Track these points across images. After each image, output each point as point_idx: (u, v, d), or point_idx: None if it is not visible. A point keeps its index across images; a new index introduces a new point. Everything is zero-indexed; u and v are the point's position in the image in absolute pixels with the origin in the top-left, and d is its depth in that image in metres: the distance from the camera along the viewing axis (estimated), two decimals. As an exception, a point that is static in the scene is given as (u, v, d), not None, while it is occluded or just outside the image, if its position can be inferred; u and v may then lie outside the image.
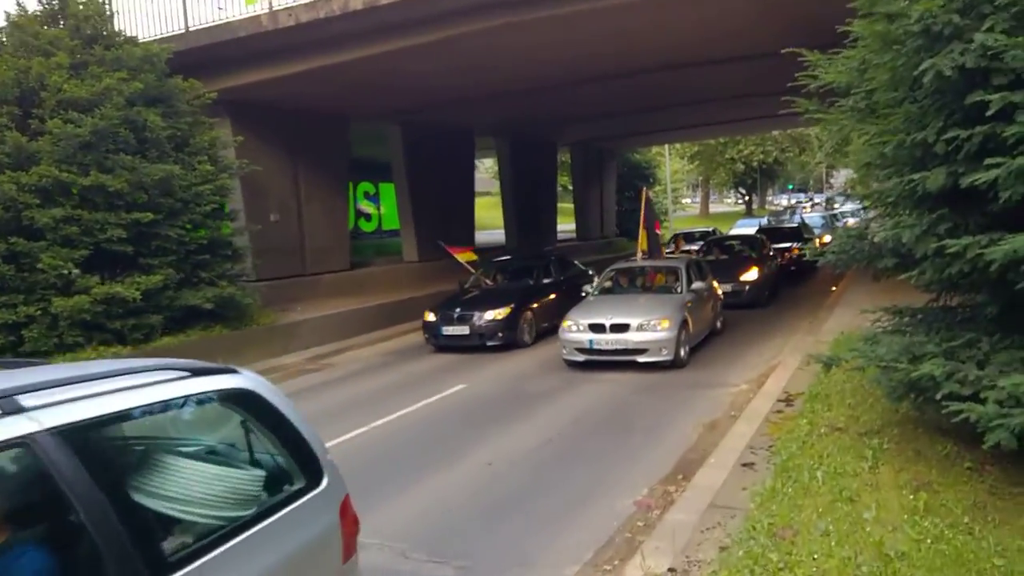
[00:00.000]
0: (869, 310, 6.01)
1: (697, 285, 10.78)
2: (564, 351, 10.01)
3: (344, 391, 10.10)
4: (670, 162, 39.67)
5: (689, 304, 10.28)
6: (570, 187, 34.24)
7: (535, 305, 12.58)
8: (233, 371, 2.65)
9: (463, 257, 15.45)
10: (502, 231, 25.63)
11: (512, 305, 12.01)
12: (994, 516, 3.86)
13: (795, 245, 19.78)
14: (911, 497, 4.13)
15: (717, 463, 5.71)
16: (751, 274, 14.75)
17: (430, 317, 12.37)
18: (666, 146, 38.30)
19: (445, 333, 12.00)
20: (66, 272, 9.39)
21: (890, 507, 4.06)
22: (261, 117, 14.72)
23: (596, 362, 9.80)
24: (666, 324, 9.45)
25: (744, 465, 5.09)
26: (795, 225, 23.06)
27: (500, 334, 11.69)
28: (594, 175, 30.05)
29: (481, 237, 31.16)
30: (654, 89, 17.09)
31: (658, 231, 14.00)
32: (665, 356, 9.43)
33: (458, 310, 12.14)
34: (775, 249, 19.62)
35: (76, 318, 9.31)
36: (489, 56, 12.79)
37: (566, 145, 28.75)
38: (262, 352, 11.98)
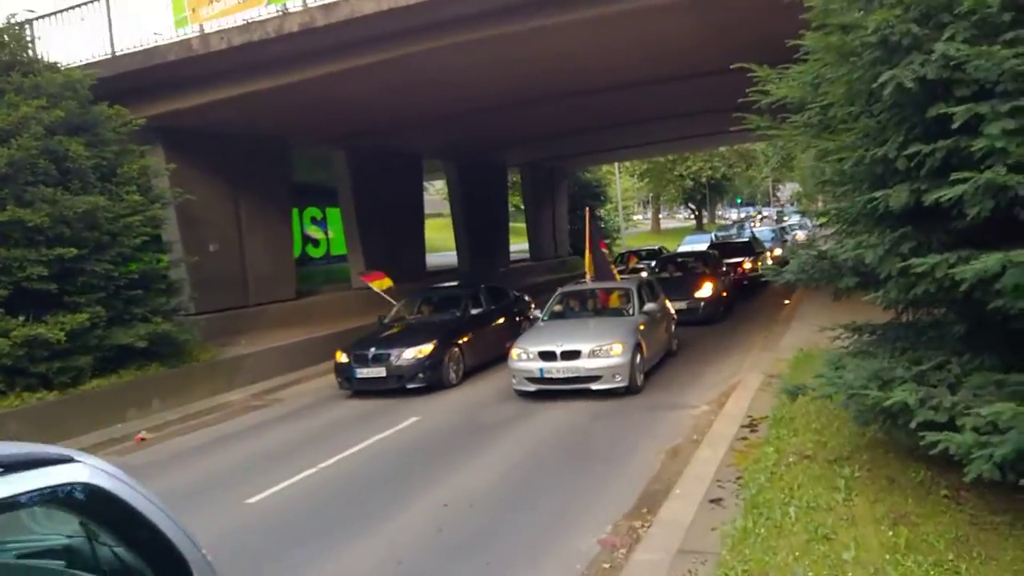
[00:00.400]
0: (828, 327, 5.84)
1: (649, 307, 10.39)
2: (514, 380, 9.53)
3: (292, 428, 9.57)
4: (620, 180, 39.95)
5: (642, 327, 9.88)
6: (522, 207, 34.10)
7: (463, 340, 11.36)
8: (69, 460, 1.98)
9: (378, 286, 14.08)
10: (455, 253, 25.25)
11: (435, 341, 10.75)
12: (979, 551, 3.63)
13: (746, 259, 19.92)
14: (890, 533, 3.89)
15: (683, 494, 5.42)
16: (705, 290, 14.67)
17: (342, 358, 10.89)
18: (616, 164, 38.55)
19: (359, 376, 10.61)
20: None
21: (869, 545, 3.81)
22: (196, 144, 14.13)
23: (549, 391, 9.35)
24: (619, 349, 9.02)
25: (712, 501, 4.78)
26: (746, 239, 23.25)
27: (422, 375, 10.43)
28: (545, 195, 29.97)
29: (434, 259, 30.74)
30: (601, 108, 17.04)
31: (604, 250, 13.31)
32: (619, 383, 9.00)
33: (373, 349, 10.75)
34: (727, 264, 19.76)
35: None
36: (431, 78, 12.50)
37: (516, 166, 28.64)
38: (204, 390, 11.33)
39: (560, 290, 11.54)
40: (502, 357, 10.60)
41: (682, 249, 25.82)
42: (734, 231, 36.88)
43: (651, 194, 59.03)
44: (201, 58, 10.94)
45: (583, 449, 7.41)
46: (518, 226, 41.69)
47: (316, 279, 21.77)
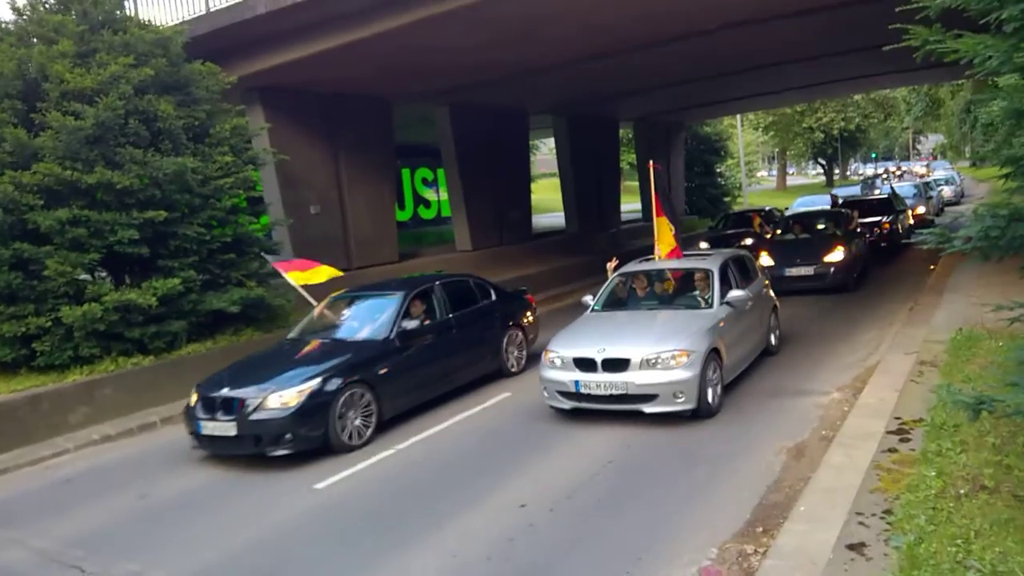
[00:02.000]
0: (1004, 305, 4.53)
1: (736, 295, 7.87)
2: (545, 394, 7.30)
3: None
4: (743, 134, 37.30)
5: (723, 324, 7.47)
6: (634, 165, 32.54)
7: (379, 373, 7.36)
8: None
9: (299, 278, 9.63)
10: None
11: (320, 379, 6.87)
12: None
13: (885, 219, 17.78)
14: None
15: (810, 514, 4.39)
16: (836, 254, 12.98)
17: (192, 398, 7.27)
18: (738, 117, 35.95)
19: (203, 431, 6.94)
20: (76, 279, 8.69)
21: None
22: (296, 103, 13.89)
23: (590, 411, 7.04)
24: (684, 359, 6.65)
25: (851, 548, 3.66)
26: (884, 196, 20.82)
27: (289, 435, 6.58)
28: (660, 151, 28.20)
29: (547, 220, 29.96)
30: (720, 52, 15.34)
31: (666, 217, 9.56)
32: (683, 405, 6.66)
33: (225, 390, 6.94)
34: (862, 224, 17.71)
35: (90, 328, 8.62)
36: (533, 25, 11.49)
37: (628, 120, 27.09)
38: (297, 355, 11.13)
39: (619, 271, 8.95)
40: (470, 388, 8.57)
41: (795, 211, 23.48)
42: (862, 189, 33.46)
43: (777, 149, 55.24)
44: (290, 9, 10.46)
45: (683, 443, 6.43)
46: (631, 184, 40.10)
47: (428, 240, 21.54)
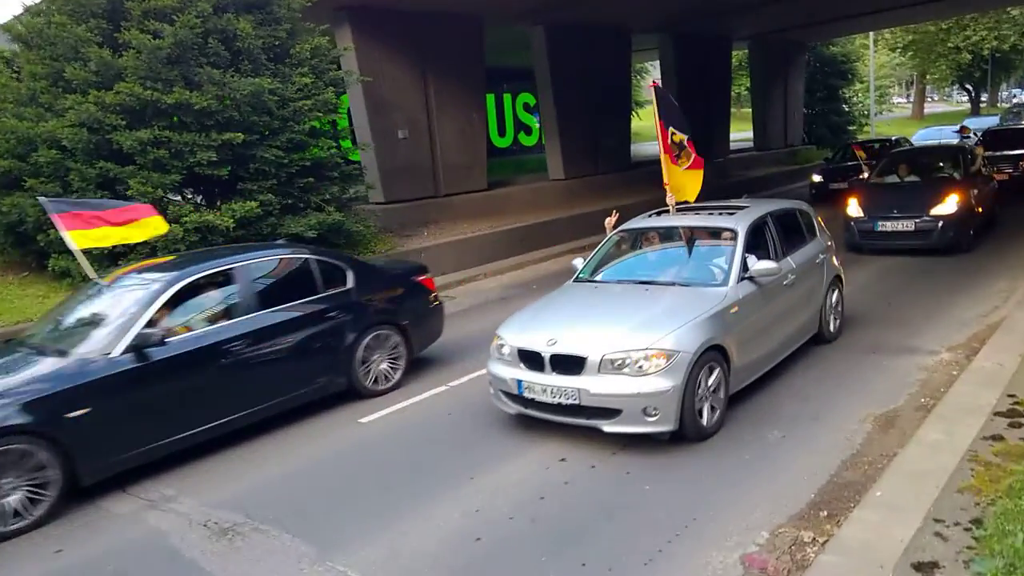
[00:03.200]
0: None
1: (763, 267, 5.72)
2: (491, 391, 5.66)
3: (447, 332, 8.86)
4: (875, 55, 33.86)
5: (736, 310, 5.46)
6: (747, 91, 30.34)
7: (77, 417, 4.77)
8: None
9: (83, 239, 5.90)
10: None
11: None
12: None
13: (1031, 154, 15.65)
14: None
15: (887, 501, 3.80)
16: (946, 205, 10.49)
17: None
18: (870, 35, 32.56)
19: None
20: (160, 198, 8.84)
21: None
22: (385, 23, 13.48)
23: (537, 419, 5.38)
24: (662, 361, 4.82)
25: (919, 568, 3.00)
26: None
27: None
28: (777, 74, 26.10)
29: (650, 149, 28.59)
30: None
31: (686, 150, 7.05)
32: (655, 425, 4.85)
33: None
34: (1008, 158, 15.68)
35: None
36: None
37: (743, 40, 25.02)
38: (376, 282, 11.09)
39: (619, 228, 6.89)
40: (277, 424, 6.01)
41: (918, 142, 20.95)
42: (1001, 119, 29.76)
43: (915, 72, 50.12)
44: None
45: (753, 400, 5.83)
46: (743, 110, 37.60)
47: (528, 168, 21.01)
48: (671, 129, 6.79)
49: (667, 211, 6.86)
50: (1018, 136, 16.94)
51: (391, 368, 6.66)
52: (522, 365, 5.25)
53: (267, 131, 9.61)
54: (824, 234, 7.39)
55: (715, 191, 20.47)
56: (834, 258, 7.36)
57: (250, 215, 9.24)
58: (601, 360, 4.89)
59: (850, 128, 31.07)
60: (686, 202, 7.02)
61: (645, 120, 35.96)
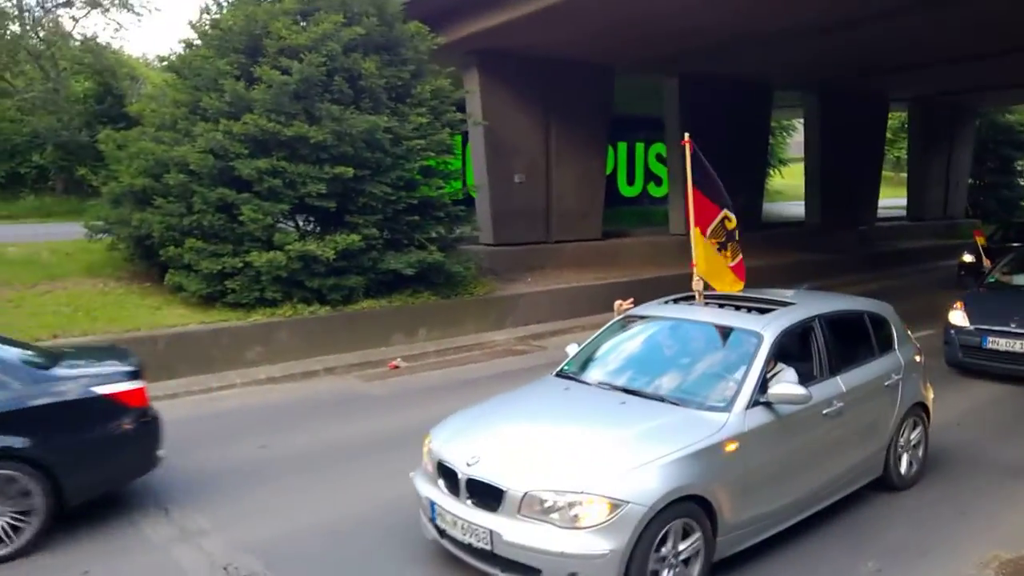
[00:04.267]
0: None
1: (785, 391, 4.27)
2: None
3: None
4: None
5: (736, 449, 4.04)
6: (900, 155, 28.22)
7: None
8: None
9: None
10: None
11: None
12: None
13: None
14: None
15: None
16: None
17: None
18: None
19: None
20: (269, 225, 9.19)
21: None
22: (512, 67, 13.62)
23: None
24: (603, 511, 3.58)
25: None
26: None
27: None
28: (939, 139, 24.05)
29: (789, 209, 27.12)
30: (1018, 18, 12.22)
31: (735, 243, 5.84)
32: None
33: None
34: None
35: (275, 274, 9.10)
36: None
37: (901, 100, 23.30)
38: (472, 325, 10.99)
39: (627, 312, 5.69)
40: None
41: None
42: None
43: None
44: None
45: (850, 513, 5.02)
46: (901, 175, 34.90)
47: (656, 219, 20.50)
48: (725, 211, 5.68)
49: (692, 297, 5.51)
50: None
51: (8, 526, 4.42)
52: (440, 483, 4.10)
53: (378, 167, 9.80)
54: (906, 347, 5.67)
55: (857, 260, 18.98)
56: (922, 380, 5.71)
57: (352, 247, 9.39)
58: (524, 497, 3.63)
59: (1023, 203, 28.11)
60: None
61: (789, 179, 34.34)
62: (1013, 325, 8.06)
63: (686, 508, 3.74)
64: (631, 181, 23.86)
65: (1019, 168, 28.56)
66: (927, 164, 24.11)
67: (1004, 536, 4.69)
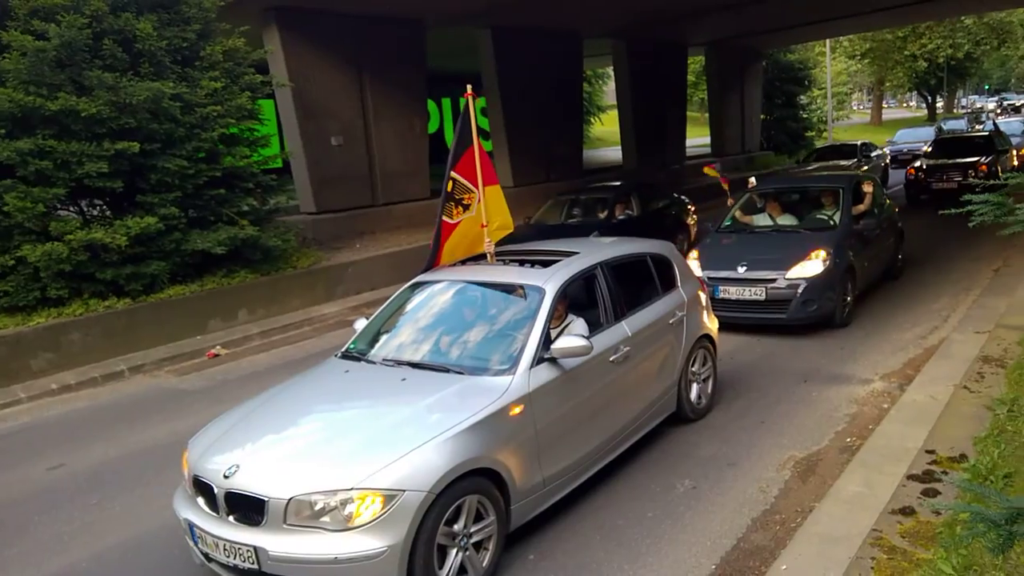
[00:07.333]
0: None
1: (567, 344, 4.11)
2: None
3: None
4: (832, 62, 33.94)
5: (520, 411, 3.86)
6: (704, 97, 30.12)
7: None
8: None
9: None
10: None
11: None
12: None
13: (982, 160, 15.52)
14: None
15: (792, 572, 3.29)
16: (810, 264, 7.45)
17: None
18: (827, 42, 32.60)
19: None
20: (42, 214, 8.08)
21: None
22: (318, 25, 12.80)
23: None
24: (376, 506, 3.21)
25: None
26: (985, 133, 18.29)
27: None
28: (734, 80, 25.88)
29: (608, 155, 28.25)
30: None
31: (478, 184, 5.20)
32: None
33: None
34: (957, 166, 15.50)
35: (56, 268, 8.06)
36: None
37: (699, 46, 24.75)
38: (299, 300, 10.42)
39: (416, 278, 5.11)
40: None
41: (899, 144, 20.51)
42: (963, 124, 30.08)
43: (873, 79, 50.62)
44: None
45: (670, 435, 5.32)
46: (694, 115, 37.43)
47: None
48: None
49: (484, 257, 5.17)
50: (969, 145, 16.80)
51: None
52: (199, 500, 3.59)
53: (170, 139, 8.89)
54: (689, 283, 5.70)
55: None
56: (705, 313, 5.74)
57: (149, 230, 8.50)
58: (289, 504, 3.21)
59: (808, 134, 31.06)
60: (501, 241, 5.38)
61: (608, 126, 35.69)
62: (742, 270, 7.59)
63: (474, 484, 3.48)
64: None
65: (802, 102, 31.40)
66: (725, 104, 25.90)
67: (799, 437, 5.14)
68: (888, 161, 22.40)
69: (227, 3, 10.04)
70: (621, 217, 11.29)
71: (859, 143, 20.86)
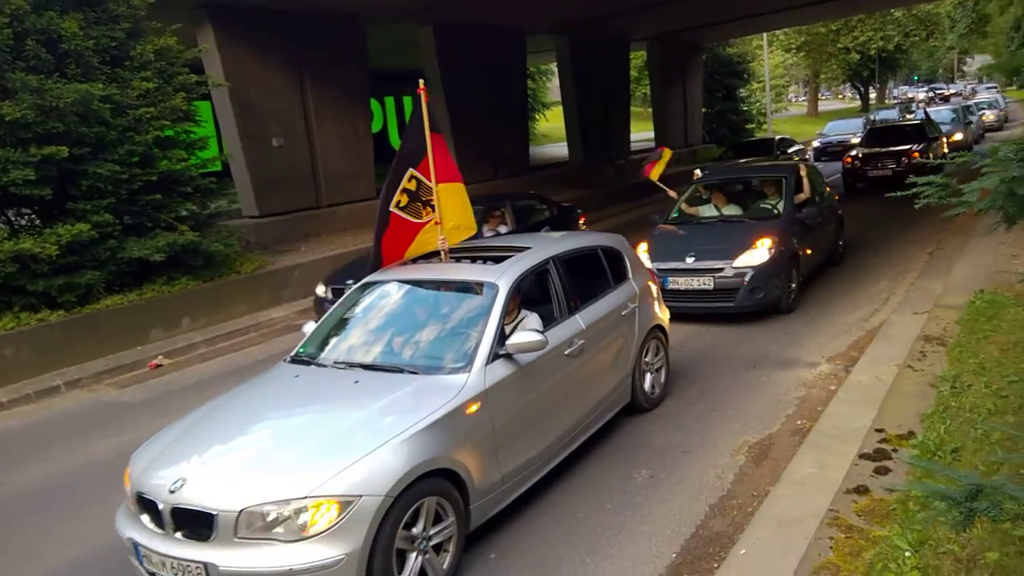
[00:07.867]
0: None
1: (522, 339, 4.06)
2: None
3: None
4: (770, 55, 34.75)
5: (477, 408, 3.79)
6: (647, 91, 30.47)
7: None
8: None
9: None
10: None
11: None
12: None
13: (915, 148, 16.08)
14: None
15: (747, 565, 3.31)
16: (756, 252, 7.55)
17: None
18: (764, 36, 33.37)
19: None
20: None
21: None
22: (253, 22, 12.45)
23: None
24: (332, 513, 3.10)
25: None
26: (917, 122, 18.95)
27: None
28: (675, 75, 26.25)
29: (555, 151, 28.35)
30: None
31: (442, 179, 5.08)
32: None
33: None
34: (891, 154, 16.02)
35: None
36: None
37: (641, 40, 25.01)
38: (244, 306, 10.12)
39: (364, 280, 4.96)
40: None
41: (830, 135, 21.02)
42: (895, 114, 31.21)
43: (809, 71, 52.06)
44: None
45: (624, 425, 5.34)
46: (638, 110, 37.93)
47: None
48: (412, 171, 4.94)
49: (438, 255, 5.00)
50: (902, 133, 17.37)
51: None
52: (143, 518, 3.40)
53: (101, 143, 8.54)
54: (640, 274, 5.74)
55: (615, 193, 20.27)
56: (657, 304, 5.80)
57: (81, 239, 8.15)
58: (240, 516, 3.08)
59: (748, 126, 31.71)
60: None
61: (553, 122, 35.85)
62: (690, 260, 7.66)
63: (432, 485, 3.39)
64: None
65: (742, 95, 32.07)
66: (667, 98, 26.24)
67: (751, 422, 5.20)
68: (809, 156, 22.86)
69: (157, 0, 9.70)
70: (490, 235, 8.79)
71: (776, 138, 21.29)
